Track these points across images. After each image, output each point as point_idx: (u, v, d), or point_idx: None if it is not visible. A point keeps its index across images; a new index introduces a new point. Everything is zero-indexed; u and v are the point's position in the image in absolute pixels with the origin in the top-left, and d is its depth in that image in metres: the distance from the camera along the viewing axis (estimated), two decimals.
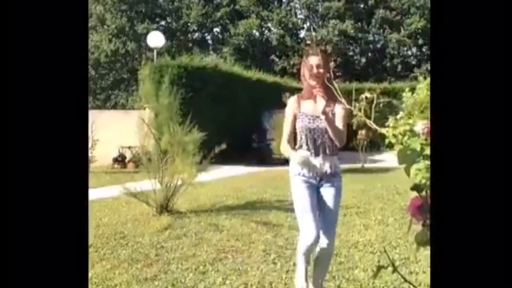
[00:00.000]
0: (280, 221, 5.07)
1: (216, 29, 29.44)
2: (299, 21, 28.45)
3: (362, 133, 10.41)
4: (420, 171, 1.03)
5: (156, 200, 5.54)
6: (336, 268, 3.48)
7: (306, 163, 2.64)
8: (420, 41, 26.39)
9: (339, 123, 2.70)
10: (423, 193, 1.04)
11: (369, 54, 27.63)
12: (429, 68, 18.83)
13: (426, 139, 1.08)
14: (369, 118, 1.35)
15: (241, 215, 5.42)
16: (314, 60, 2.71)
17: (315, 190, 2.71)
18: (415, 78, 20.20)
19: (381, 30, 27.27)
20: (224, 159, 6.75)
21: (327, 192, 2.72)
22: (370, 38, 27.63)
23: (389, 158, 12.20)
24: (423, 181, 1.02)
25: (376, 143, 15.05)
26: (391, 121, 1.22)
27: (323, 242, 2.67)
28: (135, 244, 4.27)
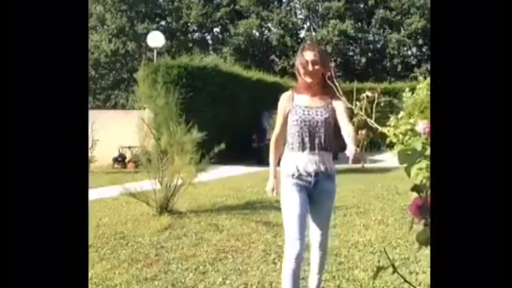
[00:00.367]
0: (280, 221, 5.02)
1: (216, 29, 29.45)
2: (299, 21, 28.44)
3: (362, 133, 10.36)
4: (421, 170, 1.03)
5: (156, 200, 5.54)
6: (336, 268, 3.48)
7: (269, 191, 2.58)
8: (420, 41, 26.39)
9: (342, 117, 2.49)
10: (423, 193, 1.04)
11: (369, 54, 27.61)
12: (429, 68, 18.83)
13: (427, 139, 1.08)
14: (370, 117, 1.34)
15: (241, 215, 5.42)
16: (309, 55, 2.53)
17: (306, 195, 2.52)
18: (415, 78, 20.21)
19: (381, 30, 27.26)
20: (224, 159, 6.75)
21: (320, 198, 2.55)
22: (370, 38, 27.62)
23: (389, 158, 12.20)
24: (424, 181, 1.02)
25: (376, 143, 15.06)
26: (392, 120, 1.22)
27: (315, 251, 2.60)
28: (135, 244, 4.27)
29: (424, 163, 1.04)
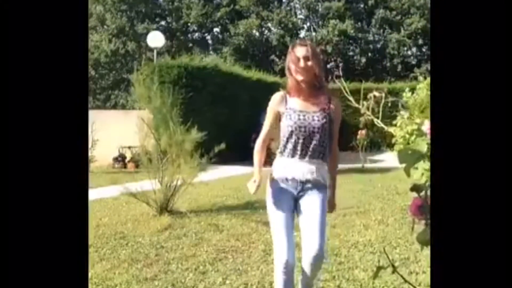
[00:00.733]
0: None
1: (216, 29, 29.44)
2: (299, 21, 28.44)
3: (362, 133, 10.40)
4: (427, 171, 1.03)
5: (156, 200, 5.54)
6: (336, 268, 3.48)
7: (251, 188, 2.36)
8: (420, 41, 26.39)
9: (336, 127, 2.45)
10: (423, 193, 1.04)
11: (369, 54, 27.61)
12: (429, 68, 18.83)
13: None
14: (377, 117, 1.34)
15: (241, 215, 5.42)
16: (301, 51, 2.36)
17: (293, 201, 2.41)
18: (415, 78, 20.19)
19: (381, 30, 27.26)
20: (224, 159, 6.75)
21: (312, 203, 2.38)
22: (370, 38, 27.62)
23: (389, 158, 12.20)
24: (429, 181, 1.02)
25: (376, 143, 15.05)
26: (398, 120, 1.22)
27: (309, 259, 2.34)
28: (135, 244, 4.27)
29: (429, 164, 1.03)
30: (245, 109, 13.21)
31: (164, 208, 5.53)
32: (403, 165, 1.08)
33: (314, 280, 2.58)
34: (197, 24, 28.19)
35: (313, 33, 26.98)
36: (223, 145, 5.69)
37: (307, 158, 2.39)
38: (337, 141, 2.53)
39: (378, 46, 27.46)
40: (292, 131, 2.37)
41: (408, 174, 1.06)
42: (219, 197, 6.77)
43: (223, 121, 11.89)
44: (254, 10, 27.18)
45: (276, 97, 2.47)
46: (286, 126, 2.39)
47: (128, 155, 11.87)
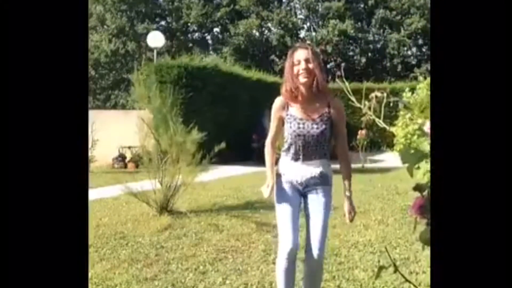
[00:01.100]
0: None
1: (216, 29, 29.44)
2: (299, 21, 28.44)
3: (362, 133, 10.41)
4: (429, 171, 1.03)
5: (156, 200, 5.54)
6: (336, 268, 3.48)
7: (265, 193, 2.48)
8: (420, 41, 26.39)
9: (341, 126, 2.49)
10: (425, 193, 1.04)
11: (369, 54, 27.61)
12: (429, 68, 18.82)
13: None
14: (379, 117, 1.34)
15: (241, 215, 5.42)
16: (302, 54, 2.38)
17: (299, 197, 2.50)
18: (415, 78, 20.18)
19: (381, 30, 27.26)
20: (224, 159, 6.76)
21: (315, 202, 2.48)
22: (370, 38, 27.62)
23: (389, 158, 12.20)
24: None
25: (376, 143, 15.05)
26: (400, 120, 1.22)
27: (311, 257, 2.43)
28: (135, 244, 4.27)
29: None
30: (245, 109, 13.21)
31: (164, 208, 5.53)
32: (404, 165, 1.08)
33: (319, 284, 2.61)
34: (197, 24, 28.19)
35: (313, 33, 26.98)
36: (223, 145, 5.69)
37: (308, 161, 2.47)
38: (345, 139, 2.55)
39: (378, 46, 27.46)
40: (292, 138, 2.45)
41: (411, 174, 1.06)
42: (219, 197, 6.77)
43: (223, 121, 11.89)
44: (254, 10, 27.18)
45: (277, 102, 2.52)
46: (287, 132, 2.48)
47: (128, 155, 11.87)
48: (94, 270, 3.52)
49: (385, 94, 1.47)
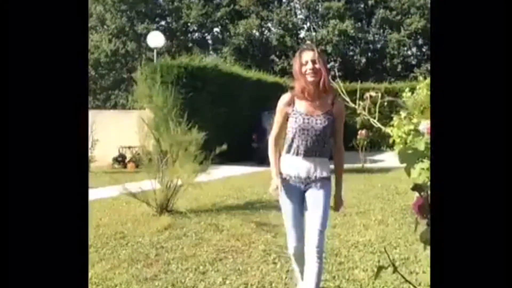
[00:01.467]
0: (280, 221, 5.03)
1: (216, 29, 29.44)
2: (299, 21, 28.44)
3: (362, 133, 10.40)
4: (424, 170, 1.03)
5: (156, 200, 5.54)
6: (336, 268, 3.48)
7: (275, 192, 2.60)
8: (420, 41, 26.39)
9: (338, 134, 2.66)
10: (424, 193, 1.04)
11: (369, 54, 27.62)
12: (429, 68, 18.82)
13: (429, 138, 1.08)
14: (374, 117, 1.34)
15: (241, 215, 5.42)
16: (309, 55, 2.54)
17: (302, 194, 2.62)
18: (415, 78, 20.19)
19: (381, 30, 27.27)
20: (224, 159, 6.75)
21: (315, 196, 2.59)
22: (370, 38, 27.63)
23: (389, 158, 12.19)
24: (426, 180, 1.02)
25: (376, 143, 15.05)
26: (395, 120, 1.22)
27: (311, 255, 2.52)
28: (135, 244, 4.27)
29: (427, 164, 1.04)
30: (245, 109, 13.20)
31: (164, 208, 5.53)
32: (404, 165, 1.08)
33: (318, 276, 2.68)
34: (197, 24, 28.19)
35: (313, 33, 26.97)
36: (224, 147, 5.69)
37: (310, 157, 2.59)
38: (342, 137, 2.72)
39: (378, 46, 27.47)
40: (296, 133, 2.57)
41: (409, 174, 1.06)
42: (219, 197, 6.77)
43: (223, 121, 11.89)
44: (254, 10, 27.18)
45: (284, 98, 2.64)
46: (291, 127, 2.60)
47: (128, 155, 11.87)
48: (94, 270, 3.52)
49: (379, 94, 1.48)
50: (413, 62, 26.95)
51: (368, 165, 10.56)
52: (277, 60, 26.84)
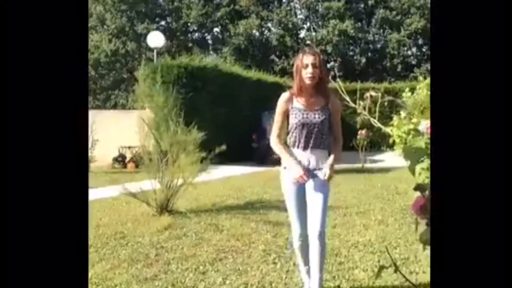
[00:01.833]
0: (280, 221, 5.07)
1: (216, 29, 29.43)
2: (299, 21, 28.43)
3: (362, 133, 10.40)
4: (424, 170, 1.03)
5: (156, 200, 5.53)
6: (336, 268, 3.48)
7: (296, 181, 2.75)
8: (420, 41, 26.39)
9: (336, 124, 2.85)
10: (426, 193, 1.04)
11: (369, 54, 27.61)
12: (429, 68, 18.82)
13: (429, 138, 1.08)
14: (374, 117, 1.34)
15: (241, 215, 5.42)
16: (310, 59, 2.74)
17: (303, 186, 2.79)
18: (415, 78, 20.19)
19: (381, 30, 27.26)
20: (224, 159, 6.75)
21: (315, 183, 2.76)
22: (370, 38, 27.62)
23: (389, 158, 12.20)
24: (427, 180, 1.02)
25: (376, 143, 15.05)
26: (395, 120, 1.22)
27: (314, 236, 2.71)
28: (135, 244, 4.27)
29: (427, 163, 1.04)
30: (245, 109, 13.21)
31: (164, 208, 5.53)
32: (404, 165, 1.08)
33: (323, 272, 2.87)
34: (197, 24, 28.18)
35: (313, 33, 26.97)
36: (224, 147, 5.69)
37: (309, 149, 2.79)
38: (340, 130, 2.91)
39: (378, 46, 27.47)
40: (296, 127, 2.78)
41: (413, 173, 1.06)
42: (219, 197, 6.77)
43: (223, 121, 11.89)
44: (254, 10, 27.18)
45: (284, 95, 2.86)
46: (292, 123, 2.81)
47: (128, 155, 11.87)
48: (94, 270, 3.51)
49: (379, 94, 1.48)
50: (413, 62, 26.94)
51: (368, 165, 10.56)
52: (277, 60, 26.84)
